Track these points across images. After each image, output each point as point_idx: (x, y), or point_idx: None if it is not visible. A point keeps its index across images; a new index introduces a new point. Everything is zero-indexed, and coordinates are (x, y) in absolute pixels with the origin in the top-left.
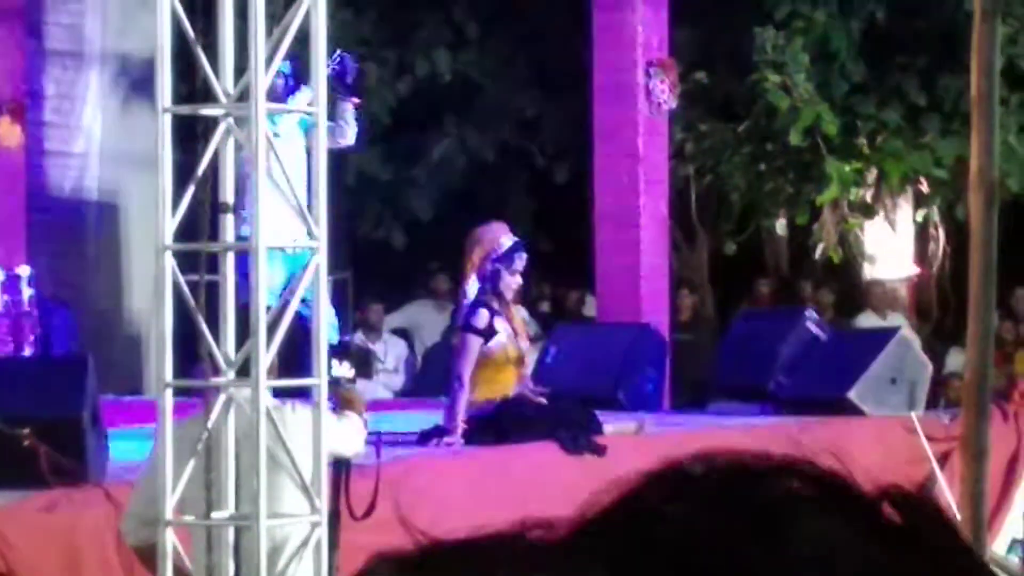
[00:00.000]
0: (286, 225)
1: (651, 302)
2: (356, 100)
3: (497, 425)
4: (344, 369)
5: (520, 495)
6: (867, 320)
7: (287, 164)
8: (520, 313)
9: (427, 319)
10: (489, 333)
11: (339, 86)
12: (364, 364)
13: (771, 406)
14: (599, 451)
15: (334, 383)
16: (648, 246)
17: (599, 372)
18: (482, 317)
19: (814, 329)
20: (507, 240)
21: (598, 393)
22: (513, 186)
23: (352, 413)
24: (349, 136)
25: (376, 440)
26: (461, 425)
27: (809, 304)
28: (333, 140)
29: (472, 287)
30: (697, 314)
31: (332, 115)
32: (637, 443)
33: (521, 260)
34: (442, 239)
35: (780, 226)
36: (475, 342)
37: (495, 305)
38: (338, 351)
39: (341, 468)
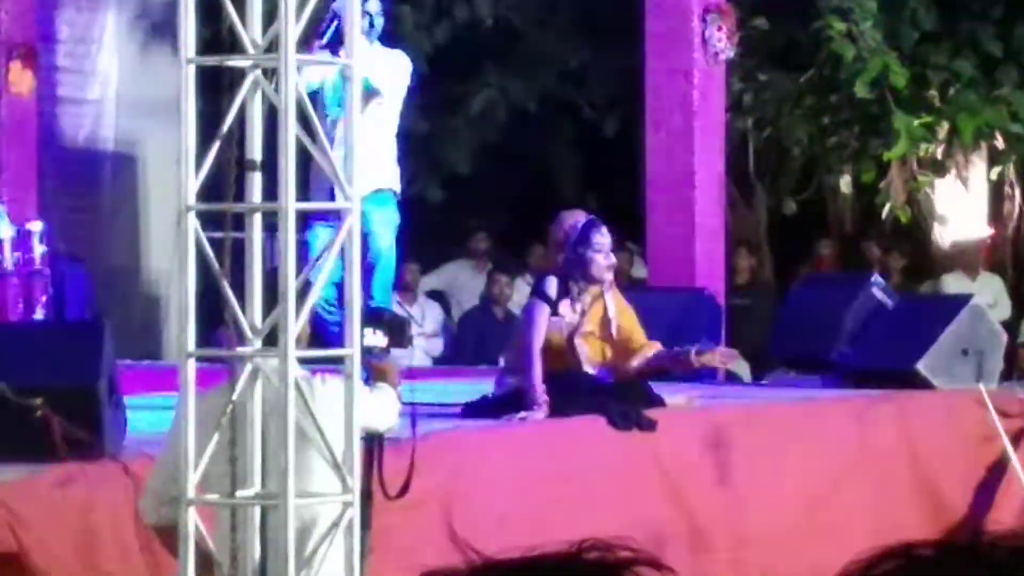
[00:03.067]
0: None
1: (705, 265)
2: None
3: (549, 399)
4: (377, 338)
5: (564, 473)
6: (956, 283)
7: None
8: (627, 320)
9: (465, 281)
10: (553, 308)
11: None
12: (399, 332)
13: (833, 378)
14: (650, 426)
15: (366, 353)
16: (703, 205)
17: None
18: (551, 284)
19: (880, 295)
20: (581, 219)
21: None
22: (557, 140)
23: (385, 385)
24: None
25: (412, 413)
26: (544, 397)
27: (875, 268)
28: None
29: (552, 286)
30: (755, 278)
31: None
32: (689, 418)
33: (602, 235)
34: (481, 195)
35: (844, 184)
36: (543, 310)
37: (575, 291)
38: (371, 318)
39: (373, 444)
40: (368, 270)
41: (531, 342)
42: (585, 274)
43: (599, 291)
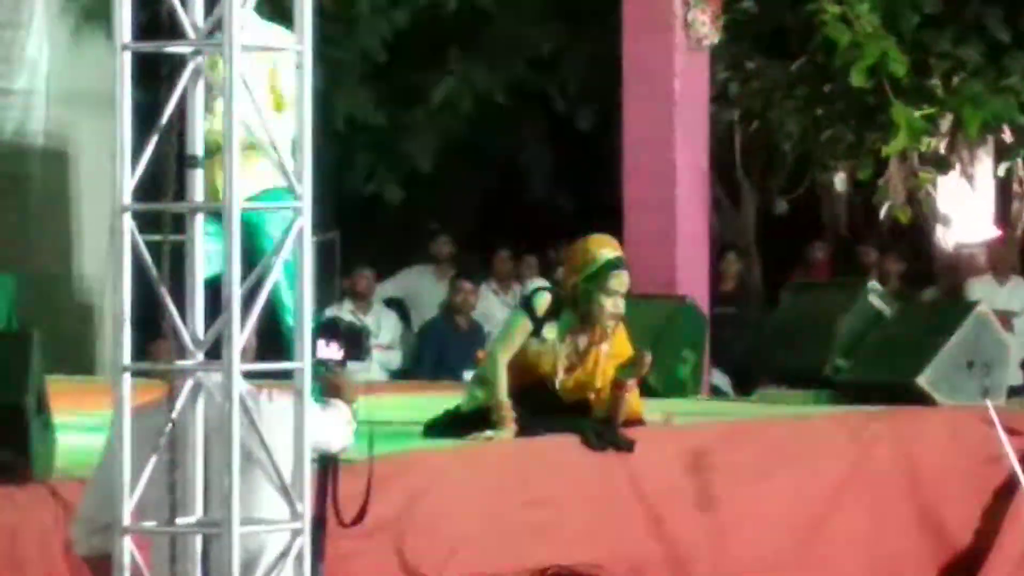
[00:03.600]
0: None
1: (688, 270)
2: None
3: (519, 416)
4: (331, 350)
5: (534, 497)
6: (982, 289)
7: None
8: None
9: (425, 288)
10: (538, 328)
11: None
12: (355, 344)
13: (827, 393)
14: (628, 447)
15: (320, 366)
16: (685, 205)
17: None
18: (543, 301)
19: (878, 303)
20: (606, 253)
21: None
22: (528, 134)
23: (339, 401)
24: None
25: (370, 432)
26: (512, 415)
27: (872, 273)
28: None
29: (543, 303)
30: (742, 284)
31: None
32: (669, 437)
33: (620, 279)
34: (444, 194)
35: (839, 181)
36: (524, 323)
37: (575, 325)
38: (325, 329)
39: (328, 466)
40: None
41: (499, 354)
42: (586, 314)
43: (600, 334)
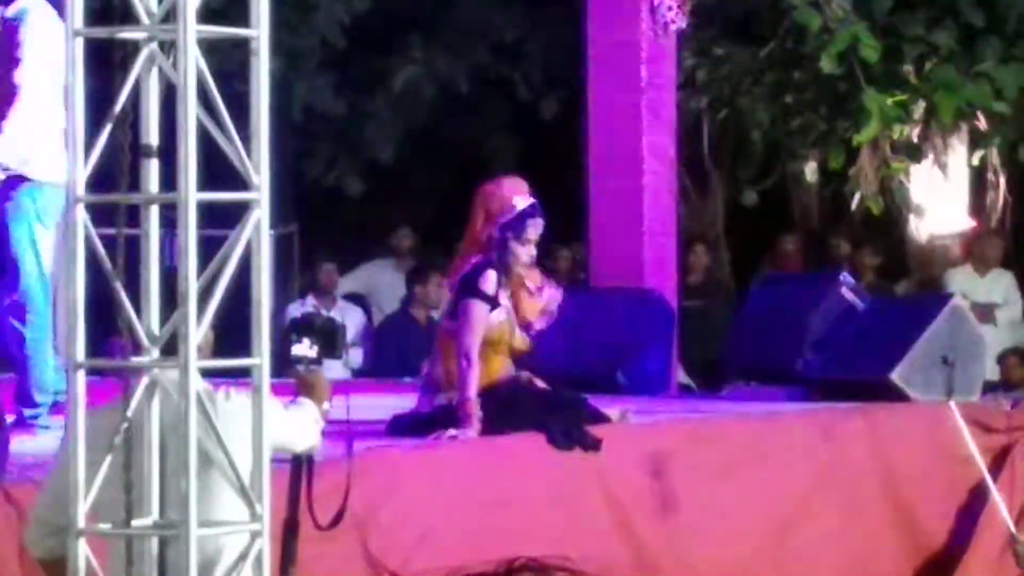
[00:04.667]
0: None
1: (654, 263)
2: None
3: (491, 413)
4: (305, 347)
5: (499, 497)
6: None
7: None
8: (546, 298)
9: (387, 282)
10: (495, 303)
11: None
12: (331, 340)
13: (798, 390)
14: (594, 446)
15: (295, 363)
16: (652, 195)
17: (593, 348)
18: (490, 280)
19: (850, 296)
20: (520, 201)
21: (592, 374)
22: (491, 123)
23: (307, 400)
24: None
25: (348, 431)
26: (477, 414)
27: (844, 265)
28: None
29: (490, 281)
30: (710, 277)
31: None
32: (638, 436)
33: (536, 227)
34: (405, 186)
35: (810, 171)
36: (481, 310)
37: (500, 277)
38: (300, 325)
39: (301, 465)
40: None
41: (468, 349)
42: (502, 263)
43: (517, 282)
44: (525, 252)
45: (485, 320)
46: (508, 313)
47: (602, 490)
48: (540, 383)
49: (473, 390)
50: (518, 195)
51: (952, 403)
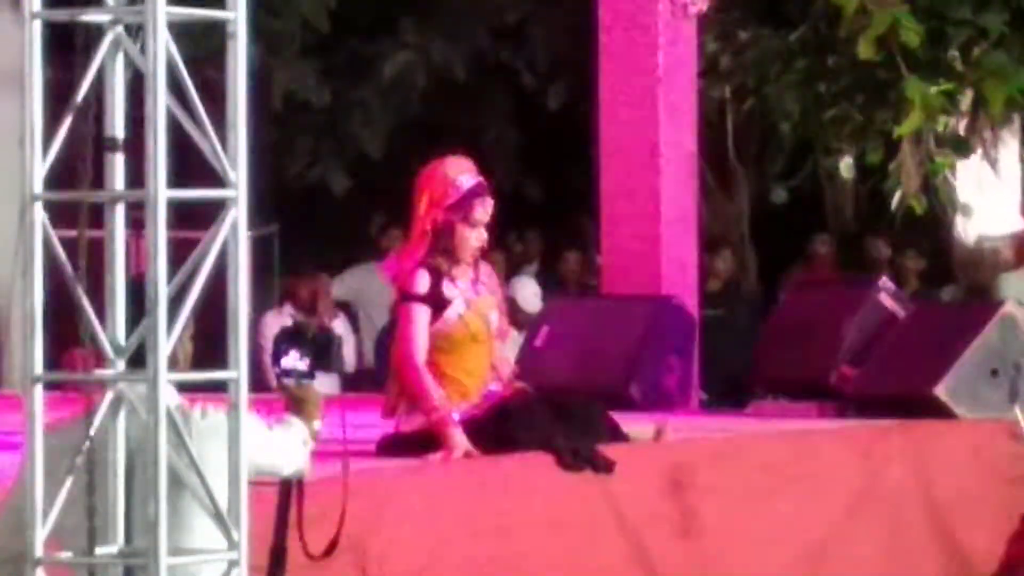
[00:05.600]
0: None
1: (674, 267)
2: None
3: (491, 432)
4: (295, 359)
5: (500, 524)
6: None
7: None
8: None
9: (376, 289)
10: (438, 301)
11: None
12: (325, 352)
13: (833, 406)
14: (606, 467)
15: (284, 376)
16: (670, 193)
17: (605, 360)
18: (421, 280)
19: (890, 304)
20: (466, 180)
21: (604, 388)
22: (491, 114)
23: (294, 419)
24: None
25: (344, 452)
26: (457, 431)
27: (883, 270)
28: None
29: (421, 281)
30: (735, 283)
31: None
32: (654, 456)
33: (484, 208)
34: (396, 184)
35: (845, 167)
36: (421, 312)
37: (444, 267)
38: (293, 335)
39: (290, 488)
40: None
41: (409, 356)
42: (448, 249)
43: (462, 270)
44: (475, 236)
45: (427, 320)
46: (466, 302)
47: (615, 515)
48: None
49: (436, 399)
50: (463, 174)
51: (1018, 410)
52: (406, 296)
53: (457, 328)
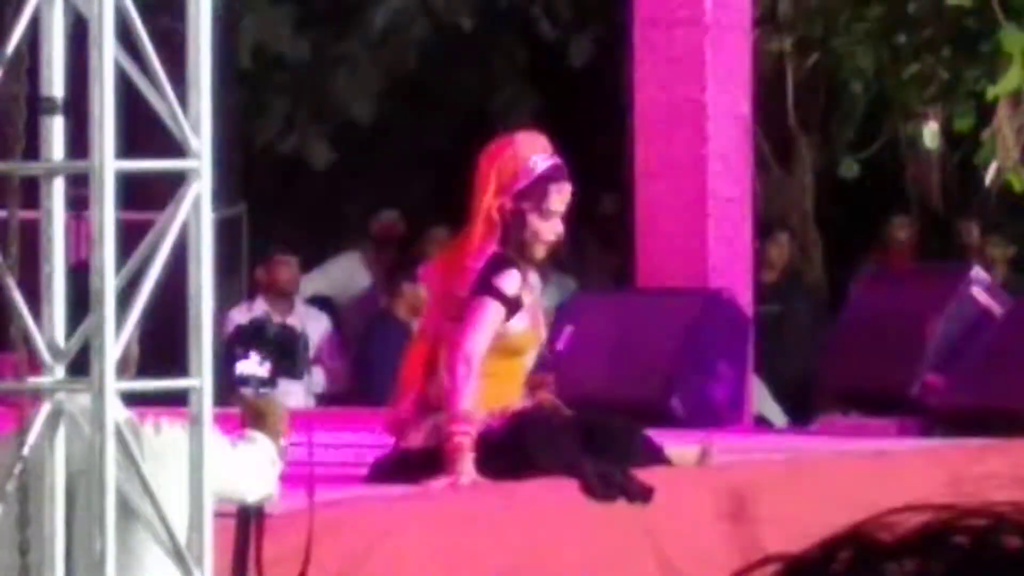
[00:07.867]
0: None
1: (723, 256)
2: None
3: (508, 451)
4: (254, 364)
5: (518, 561)
6: None
7: None
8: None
9: (362, 280)
10: (513, 309)
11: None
12: (289, 354)
13: (916, 421)
14: (643, 495)
15: (241, 384)
16: (719, 167)
17: (641, 366)
18: (512, 280)
19: (983, 299)
20: (540, 161)
21: (639, 401)
22: (504, 72)
23: (260, 435)
24: None
25: (310, 474)
26: (468, 456)
27: (974, 258)
28: None
29: (512, 281)
30: (796, 274)
31: None
32: (699, 482)
33: (561, 195)
34: (388, 155)
35: (929, 135)
36: (496, 312)
37: (520, 265)
38: (250, 334)
39: (249, 517)
40: None
41: (470, 353)
42: (519, 244)
43: (528, 270)
44: (549, 229)
45: (497, 326)
46: (533, 320)
47: (654, 552)
48: (567, 412)
49: (468, 403)
50: (537, 154)
51: None
52: (490, 289)
53: (516, 339)
